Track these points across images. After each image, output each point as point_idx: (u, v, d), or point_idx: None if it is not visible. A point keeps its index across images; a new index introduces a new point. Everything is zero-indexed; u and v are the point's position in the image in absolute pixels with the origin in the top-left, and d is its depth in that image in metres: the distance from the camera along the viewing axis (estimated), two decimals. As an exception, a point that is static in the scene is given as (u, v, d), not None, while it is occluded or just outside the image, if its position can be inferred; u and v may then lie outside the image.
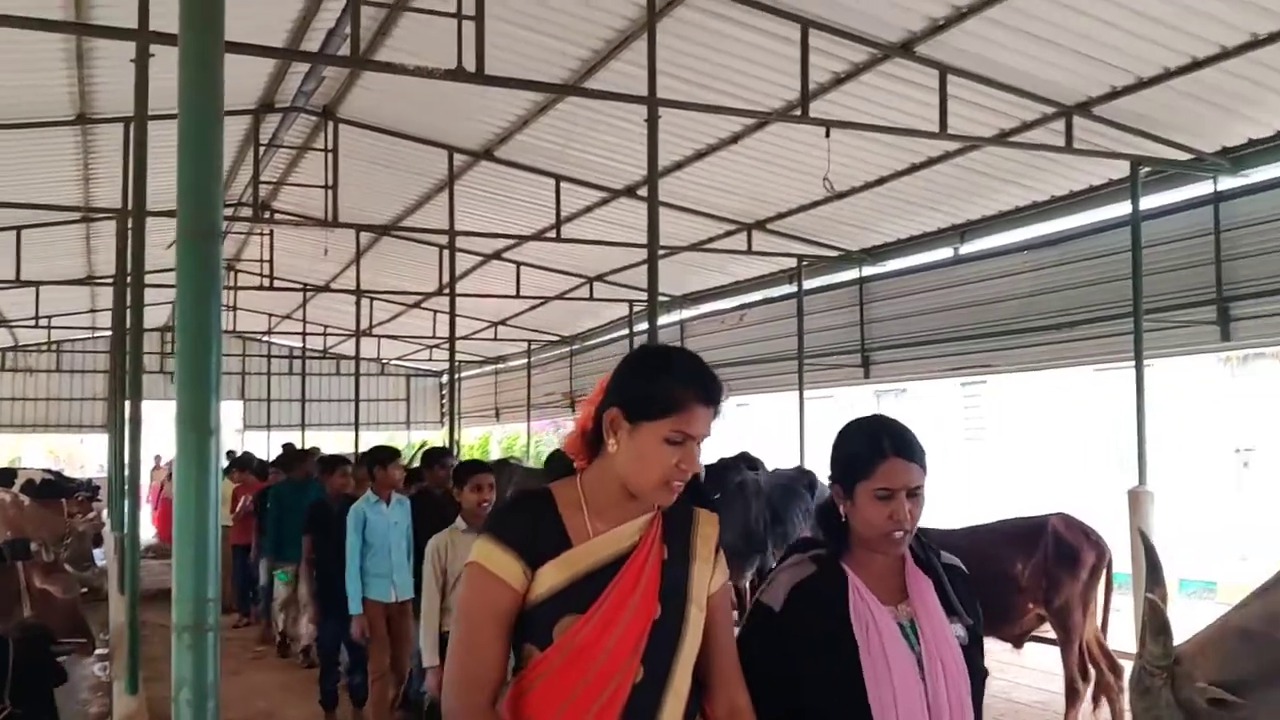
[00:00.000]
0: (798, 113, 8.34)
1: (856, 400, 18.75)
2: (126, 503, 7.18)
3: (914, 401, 20.68)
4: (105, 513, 15.81)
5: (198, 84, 1.88)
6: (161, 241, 13.19)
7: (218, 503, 1.84)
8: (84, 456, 37.53)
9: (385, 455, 7.15)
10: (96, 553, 12.14)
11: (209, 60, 1.88)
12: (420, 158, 12.58)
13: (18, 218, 13.64)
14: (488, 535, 2.12)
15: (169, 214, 11.85)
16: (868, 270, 14.04)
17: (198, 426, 1.83)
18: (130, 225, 10.82)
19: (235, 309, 20.08)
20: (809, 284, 14.36)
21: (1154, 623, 3.00)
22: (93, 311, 21.93)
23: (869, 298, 14.04)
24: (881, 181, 11.07)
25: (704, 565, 2.20)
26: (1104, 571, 6.75)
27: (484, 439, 32.91)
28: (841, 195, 11.23)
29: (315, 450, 11.58)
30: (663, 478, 2.10)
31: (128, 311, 14.45)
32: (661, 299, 16.85)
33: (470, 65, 7.05)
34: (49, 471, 18.28)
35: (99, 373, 26.41)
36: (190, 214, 1.87)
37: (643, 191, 12.24)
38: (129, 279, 14.02)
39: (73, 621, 6.75)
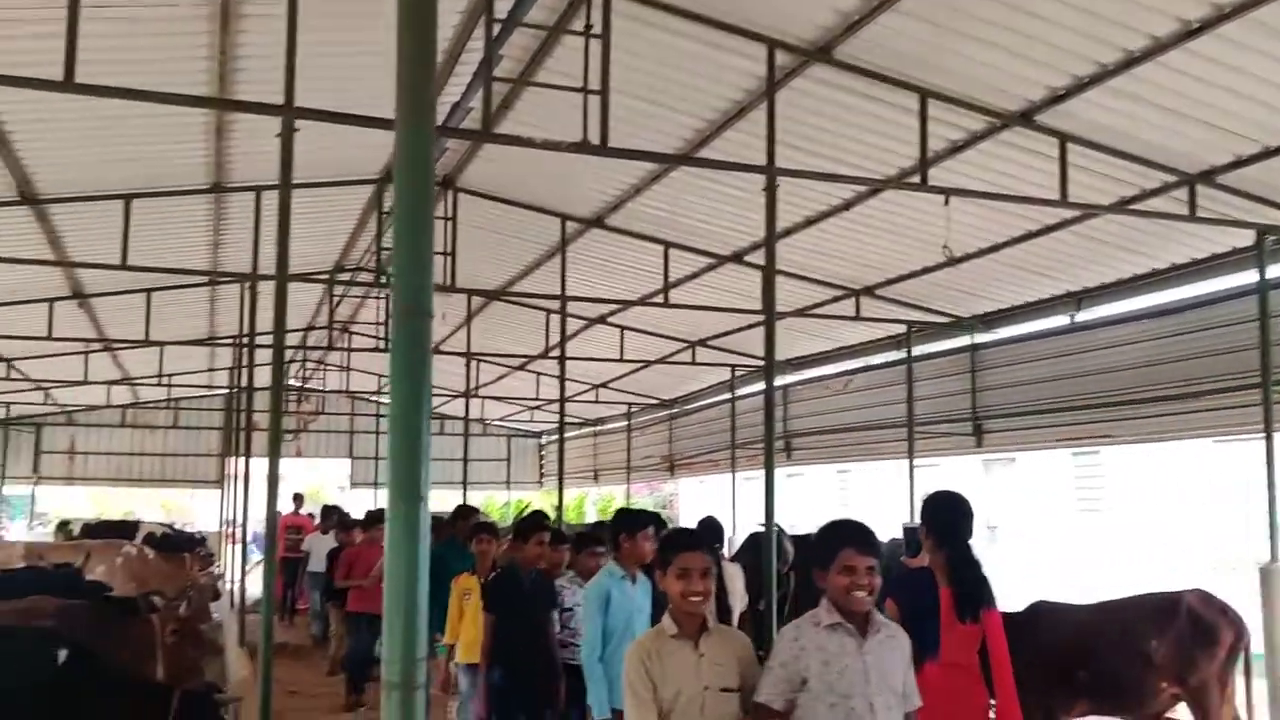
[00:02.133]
0: (915, 180, 8.38)
1: (963, 469, 18.41)
2: (253, 557, 7.40)
3: (1023, 472, 20.23)
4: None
5: (413, 174, 2.00)
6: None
7: (426, 567, 1.92)
8: (194, 512, 38.68)
9: (638, 521, 5.98)
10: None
11: (422, 152, 2.00)
12: (534, 225, 12.88)
13: (150, 281, 14.32)
14: None
15: (297, 277, 12.35)
16: (980, 337, 13.86)
17: (408, 495, 1.92)
18: (254, 288, 11.43)
19: (349, 370, 20.64)
20: (918, 350, 14.23)
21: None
22: (210, 370, 22.77)
23: (981, 365, 13.85)
24: (997, 248, 10.99)
25: None
26: (1242, 651, 6.51)
27: (580, 500, 33.07)
28: (955, 261, 11.18)
29: (472, 511, 11.31)
30: None
31: (244, 371, 15.15)
32: (761, 363, 16.97)
33: (595, 138, 7.25)
34: (166, 526, 18.88)
35: (212, 429, 27.32)
36: (404, 293, 1.98)
37: (751, 257, 12.38)
38: (241, 340, 14.79)
39: (201, 674, 6.95)
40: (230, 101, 8.35)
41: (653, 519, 6.11)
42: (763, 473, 7.43)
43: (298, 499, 18.09)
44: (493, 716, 6.59)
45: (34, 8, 6.85)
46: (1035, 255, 11.19)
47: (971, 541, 4.91)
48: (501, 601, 6.69)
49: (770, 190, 7.69)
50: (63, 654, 5.49)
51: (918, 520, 5.08)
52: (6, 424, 25.83)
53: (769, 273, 7.63)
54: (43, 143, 9.28)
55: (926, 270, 12.00)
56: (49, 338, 15.13)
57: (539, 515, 7.75)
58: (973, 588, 4.71)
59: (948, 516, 4.93)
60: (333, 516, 15.53)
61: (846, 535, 3.72)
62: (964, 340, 14.13)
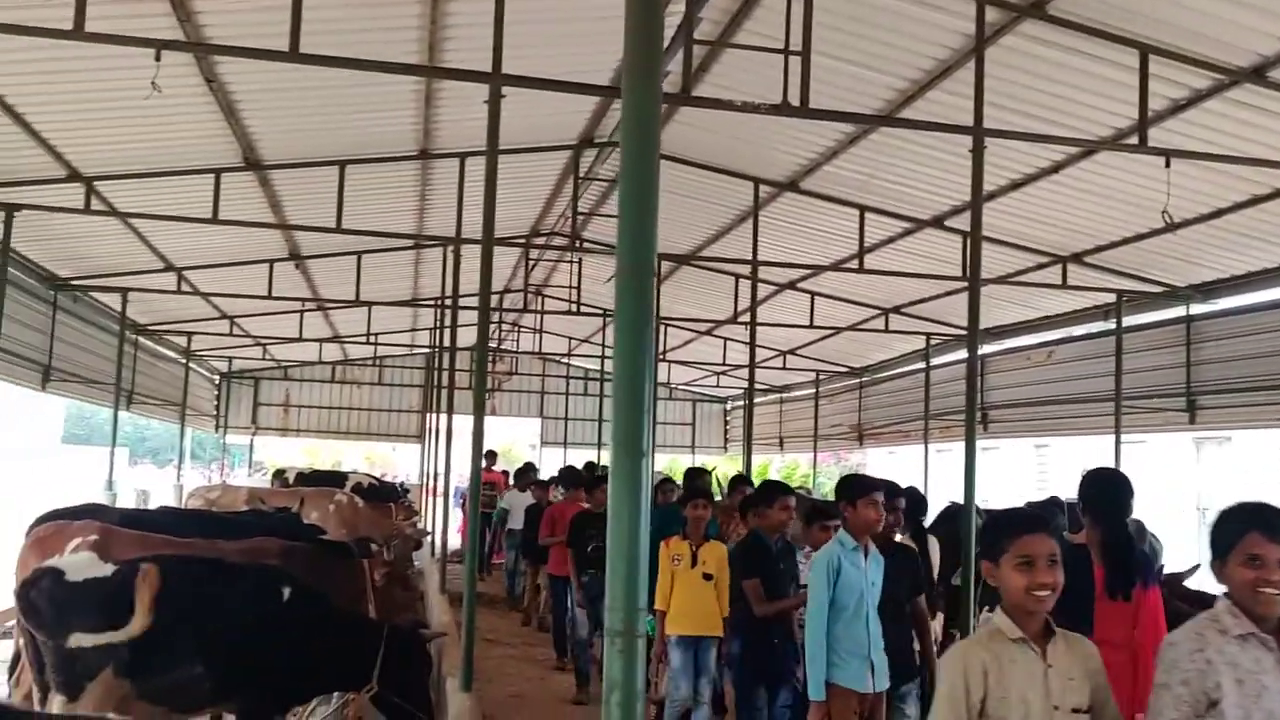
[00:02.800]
0: (1133, 141, 7.93)
1: (1173, 447, 17.44)
2: (463, 508, 7.70)
3: (1239, 451, 19.01)
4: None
5: (638, 136, 2.03)
6: (477, 267, 14.15)
7: (648, 520, 1.97)
8: (395, 464, 40.65)
9: (865, 486, 5.54)
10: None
11: (648, 113, 2.03)
12: (725, 189, 12.85)
13: (360, 244, 15.08)
14: None
15: (500, 241, 12.74)
16: (1196, 308, 13.05)
17: (631, 450, 1.96)
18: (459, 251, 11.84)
19: (541, 332, 21.18)
20: (1128, 320, 13.50)
21: None
22: (412, 330, 23.80)
23: (1197, 337, 13.04)
24: (1219, 214, 10.29)
25: None
26: None
27: (764, 467, 33.03)
28: (1172, 227, 10.53)
29: (701, 472, 11.31)
30: None
31: (445, 331, 15.75)
32: (959, 333, 16.49)
33: (795, 100, 7.16)
34: (373, 477, 19.88)
35: (414, 387, 28.58)
36: (628, 251, 2.02)
37: (952, 222, 12.01)
38: (443, 301, 15.34)
39: (413, 613, 7.32)
40: (441, 69, 8.65)
41: (881, 485, 5.70)
42: (956, 445, 7.25)
43: (490, 456, 18.58)
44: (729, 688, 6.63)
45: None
46: (1260, 221, 10.42)
47: (1131, 519, 4.77)
48: (755, 569, 6.47)
49: (977, 152, 7.45)
50: (287, 591, 5.88)
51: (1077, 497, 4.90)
52: (229, 378, 27.71)
53: (974, 238, 7.39)
54: (267, 112, 9.85)
55: (1140, 236, 11.35)
56: (269, 297, 16.13)
57: (777, 482, 7.68)
58: (1124, 565, 4.52)
59: (1105, 493, 4.80)
60: (531, 474, 15.96)
61: (1253, 517, 3.08)
62: (1179, 311, 13.32)
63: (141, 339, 19.40)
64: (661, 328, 18.77)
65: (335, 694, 6.84)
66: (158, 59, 6.93)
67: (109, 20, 7.02)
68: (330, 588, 6.41)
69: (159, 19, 7.44)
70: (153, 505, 22.26)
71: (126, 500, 20.58)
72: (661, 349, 21.06)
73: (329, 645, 5.89)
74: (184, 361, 22.72)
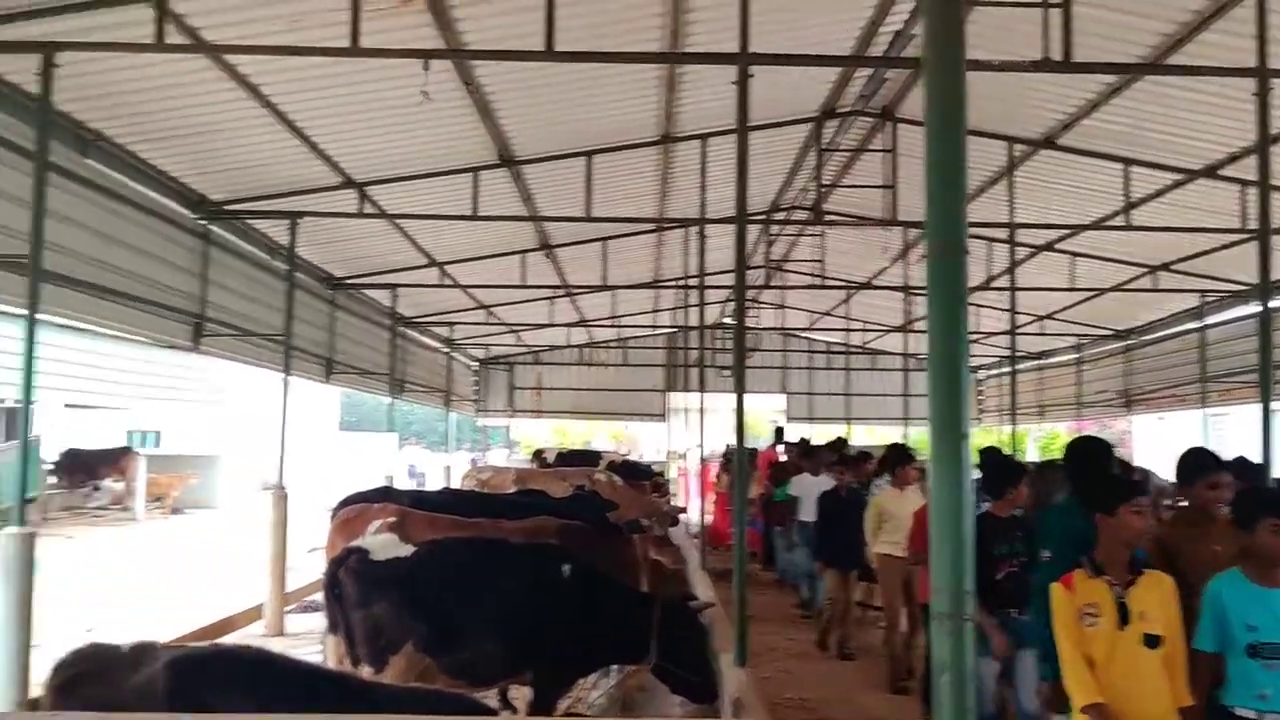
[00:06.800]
0: None
1: None
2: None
3: None
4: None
5: (944, 110, 2.00)
6: (719, 246, 14.26)
7: (971, 502, 1.95)
8: (639, 442, 41.61)
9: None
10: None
11: (956, 93, 1.99)
12: (976, 150, 12.37)
13: (604, 230, 15.51)
14: None
15: (754, 218, 12.75)
16: None
17: (950, 432, 1.94)
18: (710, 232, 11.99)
19: (783, 307, 21.13)
20: None
21: None
22: (654, 311, 24.25)
23: None
24: None
25: None
26: None
27: (1021, 436, 31.70)
28: None
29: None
30: None
31: (688, 311, 15.96)
32: (1241, 288, 15.27)
33: (1056, 54, 6.83)
34: (623, 455, 20.47)
35: (656, 366, 29.14)
36: (938, 229, 2.00)
37: (1228, 170, 11.14)
38: (687, 282, 15.47)
39: (682, 588, 7.50)
40: (689, 54, 8.75)
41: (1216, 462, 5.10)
42: (1236, 409, 6.74)
43: (779, 433, 16.89)
44: None
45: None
46: None
47: None
48: None
49: (1262, 95, 6.89)
50: (567, 569, 6.15)
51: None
52: (486, 364, 29.14)
53: (1263, 185, 6.83)
54: (520, 110, 10.25)
55: None
56: (522, 285, 16.84)
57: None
58: None
59: None
60: (837, 451, 12.94)
61: None
62: None
63: (408, 331, 20.67)
64: (908, 297, 18.36)
65: (614, 667, 7.10)
66: (426, 68, 7.37)
67: (379, 35, 7.51)
68: (605, 564, 6.66)
69: (422, 29, 7.87)
70: (427, 487, 23.73)
71: (401, 481, 22.00)
72: (907, 318, 20.60)
73: (608, 620, 6.13)
74: (446, 350, 24.04)
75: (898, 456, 9.37)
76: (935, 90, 1.98)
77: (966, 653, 1.89)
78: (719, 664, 6.40)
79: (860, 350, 27.45)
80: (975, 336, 22.60)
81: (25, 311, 6.77)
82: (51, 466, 23.78)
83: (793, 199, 15.77)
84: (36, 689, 6.25)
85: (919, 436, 28.33)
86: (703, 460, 12.96)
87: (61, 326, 12.77)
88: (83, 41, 7.00)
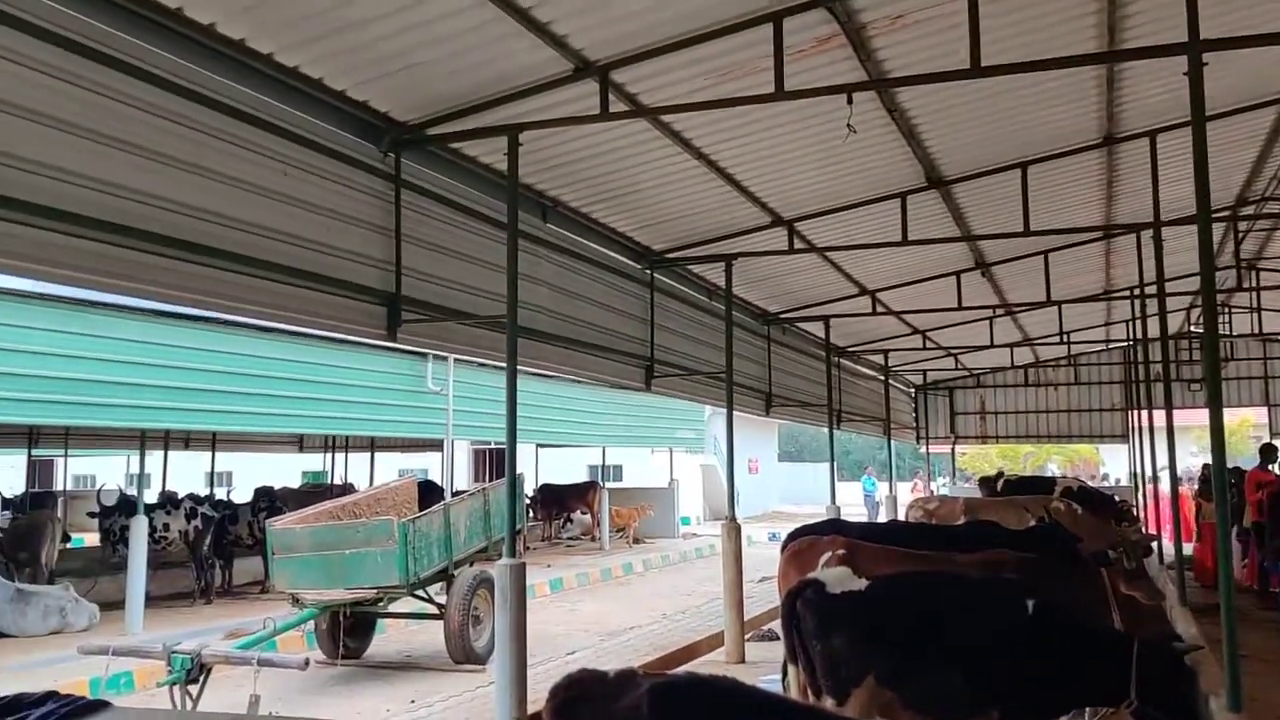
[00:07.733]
0: None
1: None
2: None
3: None
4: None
5: None
6: (1177, 249, 12.98)
7: None
8: (1098, 465, 38.79)
9: None
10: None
11: None
12: None
13: (1045, 243, 14.73)
14: None
15: (1217, 216, 11.56)
16: None
17: None
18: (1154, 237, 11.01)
19: (1259, 310, 18.90)
20: None
21: None
22: (1106, 325, 22.62)
23: None
24: None
25: None
26: None
27: None
28: None
29: None
30: None
31: (1146, 321, 14.68)
32: None
33: None
34: (1080, 480, 19.16)
35: (1114, 383, 27.10)
36: None
37: None
38: (1142, 290, 14.20)
39: (1161, 626, 6.88)
40: (1130, 51, 8.14)
41: None
42: None
43: (1268, 450, 14.51)
44: None
45: (929, 7, 7.40)
46: None
47: None
48: None
49: None
50: (1030, 603, 5.85)
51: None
52: (924, 390, 28.62)
53: None
54: (946, 129, 10.03)
55: None
56: (958, 308, 16.38)
57: None
58: None
59: None
60: None
61: None
62: None
63: (843, 361, 20.80)
64: None
65: (1087, 709, 6.64)
66: (849, 101, 7.43)
67: (802, 75, 7.69)
68: (1070, 598, 6.26)
69: (843, 64, 7.96)
70: (882, 517, 23.69)
71: (848, 512, 22.10)
72: None
73: (1077, 657, 5.74)
74: (882, 378, 23.90)
75: None
76: None
77: None
78: (1209, 709, 5.80)
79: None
80: None
81: (505, 364, 7.58)
82: (528, 500, 26.38)
83: (1262, 190, 14.09)
84: (533, 705, 6.96)
85: None
86: (1175, 483, 11.73)
87: (530, 374, 14.15)
88: (541, 120, 7.78)
